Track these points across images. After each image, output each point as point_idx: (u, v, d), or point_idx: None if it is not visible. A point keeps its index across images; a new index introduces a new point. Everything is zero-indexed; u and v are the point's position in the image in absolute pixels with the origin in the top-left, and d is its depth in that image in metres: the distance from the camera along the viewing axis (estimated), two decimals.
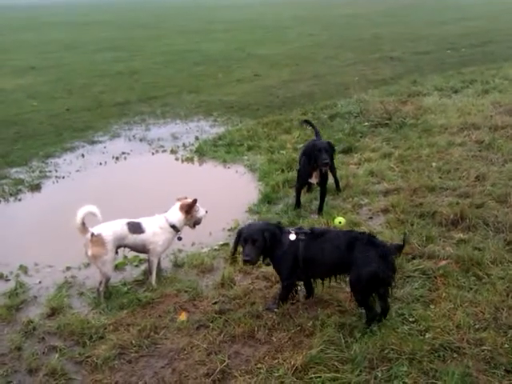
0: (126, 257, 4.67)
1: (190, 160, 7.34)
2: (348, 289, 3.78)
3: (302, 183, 5.48)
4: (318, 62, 14.52)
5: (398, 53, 15.12)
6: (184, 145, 7.95)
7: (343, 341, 3.35)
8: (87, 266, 4.58)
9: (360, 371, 3.09)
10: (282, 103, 10.19)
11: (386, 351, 3.21)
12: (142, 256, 4.67)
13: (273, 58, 15.40)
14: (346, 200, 5.61)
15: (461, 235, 4.57)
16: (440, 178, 5.92)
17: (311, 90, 11.20)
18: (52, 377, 3.26)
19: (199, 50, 17.66)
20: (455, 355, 3.18)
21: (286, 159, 6.70)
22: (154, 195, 6.16)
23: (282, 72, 13.40)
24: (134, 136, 8.57)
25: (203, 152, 7.50)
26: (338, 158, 6.63)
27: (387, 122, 8.05)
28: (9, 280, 4.47)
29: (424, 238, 4.54)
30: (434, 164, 6.32)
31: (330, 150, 5.20)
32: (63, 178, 6.88)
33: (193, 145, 7.91)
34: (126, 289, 4.23)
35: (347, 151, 7.05)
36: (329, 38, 19.18)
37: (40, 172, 7.03)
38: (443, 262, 4.14)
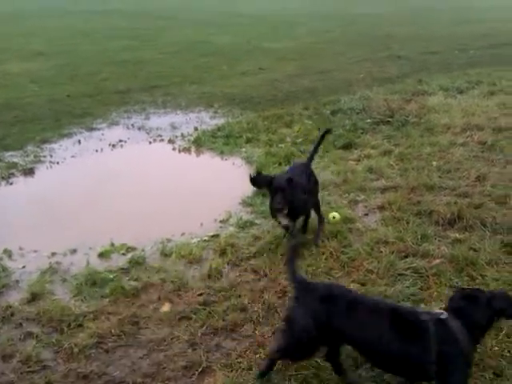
0: (112, 244, 4.57)
1: (187, 150, 7.22)
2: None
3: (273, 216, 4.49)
4: (325, 58, 14.31)
5: (407, 52, 14.88)
6: (182, 135, 7.83)
7: None
8: (73, 252, 4.49)
9: None
10: (285, 97, 10.02)
11: None
12: (130, 244, 4.59)
13: (281, 53, 15.19)
14: (343, 196, 5.47)
15: (457, 235, 4.45)
16: (440, 177, 5.77)
17: (315, 85, 11.02)
18: (26, 363, 3.18)
19: (210, 41, 17.45)
20: None
21: (285, 153, 6.57)
22: (147, 184, 6.10)
23: (287, 66, 13.21)
24: (132, 124, 8.45)
25: (201, 143, 7.37)
26: (337, 154, 6.54)
27: (389, 119, 7.87)
28: None
29: (419, 237, 4.41)
30: (434, 163, 6.17)
31: (291, 187, 4.15)
32: (57, 163, 6.77)
33: (191, 135, 7.77)
34: (111, 276, 4.13)
35: (347, 147, 6.88)
36: (342, 34, 18.90)
37: (34, 157, 6.92)
38: (436, 261, 4.03)
